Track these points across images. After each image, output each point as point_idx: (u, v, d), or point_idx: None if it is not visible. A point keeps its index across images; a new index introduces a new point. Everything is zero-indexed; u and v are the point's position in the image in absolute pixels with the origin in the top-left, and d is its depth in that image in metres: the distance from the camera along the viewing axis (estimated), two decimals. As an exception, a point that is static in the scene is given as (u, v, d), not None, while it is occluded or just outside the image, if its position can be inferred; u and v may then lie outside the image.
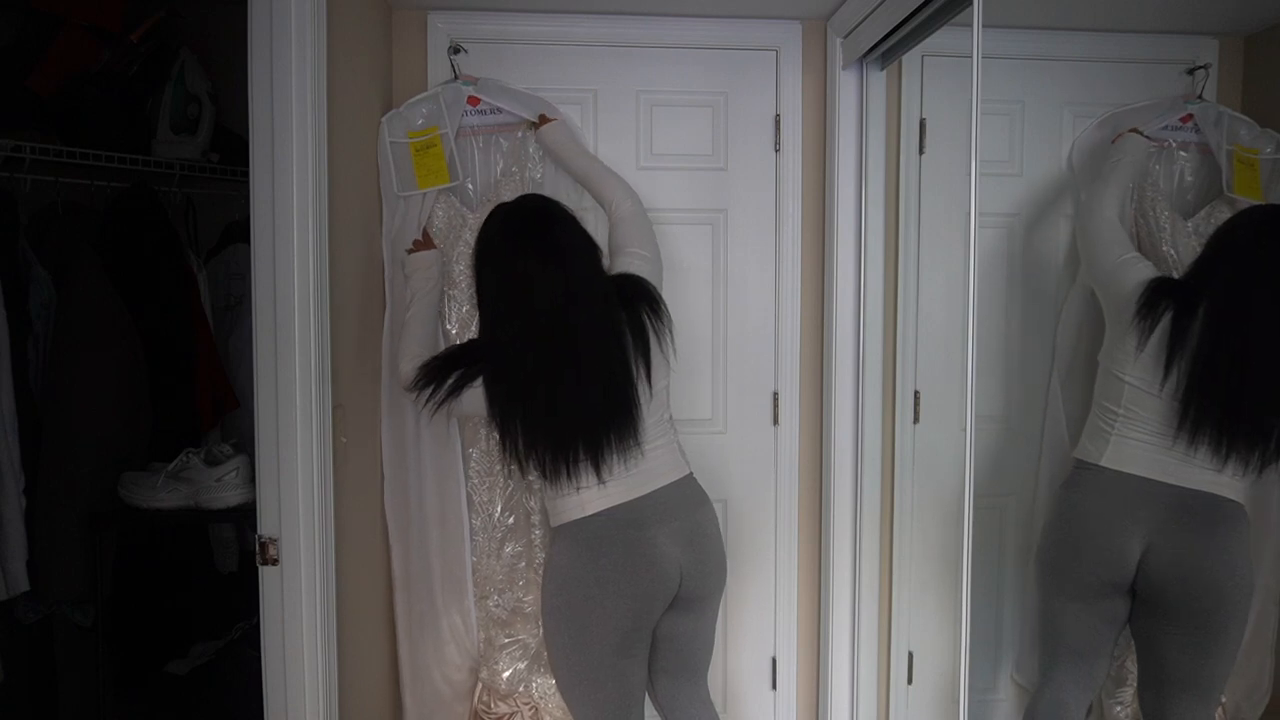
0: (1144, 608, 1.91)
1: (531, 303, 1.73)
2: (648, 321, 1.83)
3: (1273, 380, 1.79)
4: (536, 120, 2.23)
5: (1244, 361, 1.79)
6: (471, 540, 2.25)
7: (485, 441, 2.24)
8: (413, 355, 1.90)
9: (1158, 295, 1.88)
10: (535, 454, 1.75)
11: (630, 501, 1.78)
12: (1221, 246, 1.90)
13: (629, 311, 1.81)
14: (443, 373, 1.79)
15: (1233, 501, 1.84)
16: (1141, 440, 1.89)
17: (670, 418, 1.90)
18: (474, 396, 1.77)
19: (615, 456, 1.76)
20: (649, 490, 1.80)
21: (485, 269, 1.82)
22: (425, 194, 2.19)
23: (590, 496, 1.77)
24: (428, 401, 1.79)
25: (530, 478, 1.87)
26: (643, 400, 1.79)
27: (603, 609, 1.76)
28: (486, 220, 1.86)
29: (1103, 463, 1.93)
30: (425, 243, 2.11)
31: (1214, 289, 1.84)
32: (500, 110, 2.25)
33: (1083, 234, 2.12)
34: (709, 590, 1.87)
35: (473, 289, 1.93)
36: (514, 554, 2.27)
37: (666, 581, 1.79)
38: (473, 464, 2.25)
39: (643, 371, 1.80)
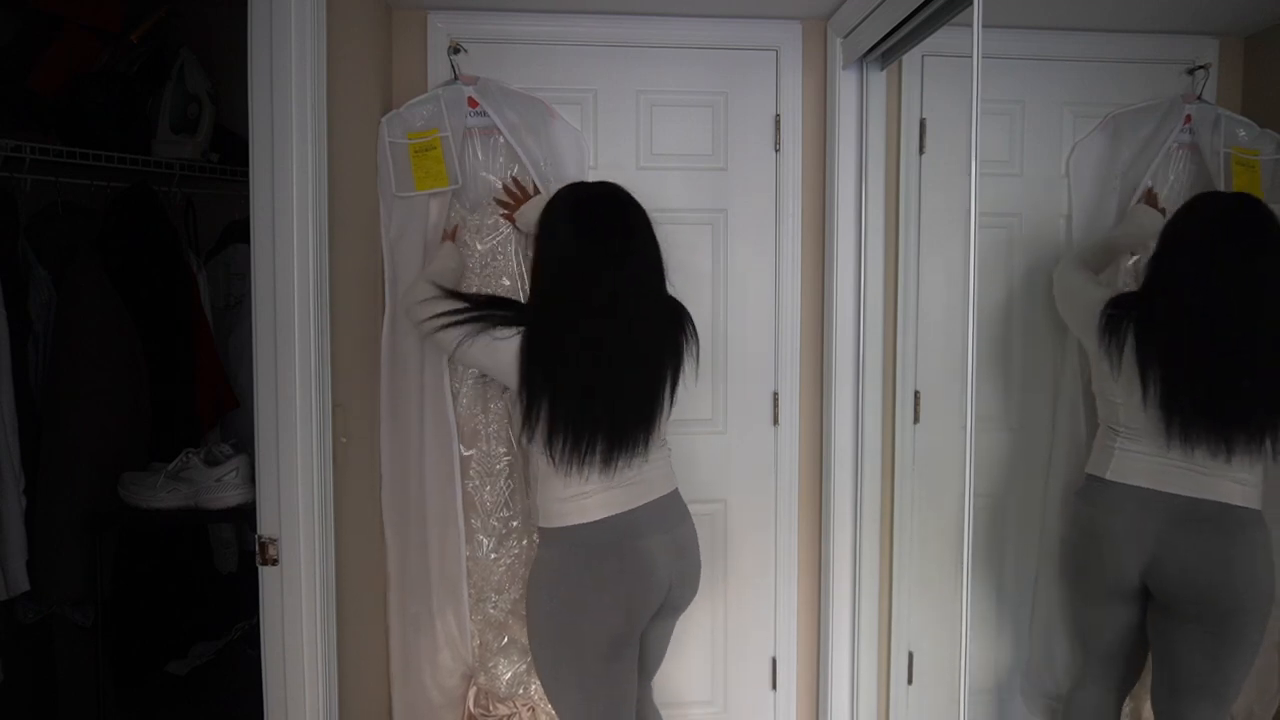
0: (1157, 612, 1.91)
1: (588, 297, 1.73)
2: (684, 346, 1.86)
3: (1244, 370, 1.77)
4: (505, 198, 2.20)
5: (1212, 354, 1.78)
6: (470, 541, 2.25)
7: (486, 443, 2.24)
8: (420, 289, 1.92)
9: (1118, 313, 1.89)
10: (557, 434, 1.73)
11: (630, 511, 1.80)
12: (1168, 245, 1.89)
13: (674, 330, 1.85)
14: (475, 302, 1.81)
15: (1243, 508, 1.81)
16: (1143, 453, 1.89)
17: (665, 437, 1.92)
18: (499, 347, 1.75)
19: (624, 458, 1.76)
20: (646, 500, 1.82)
21: (549, 246, 1.80)
22: (422, 196, 2.19)
23: (593, 503, 1.77)
24: (448, 317, 1.78)
25: (538, 459, 1.83)
26: (662, 413, 1.82)
27: (599, 614, 1.76)
28: (559, 199, 1.85)
29: (1108, 476, 1.95)
30: (452, 235, 2.15)
31: (1169, 292, 1.83)
32: (499, 114, 2.25)
33: (1059, 279, 2.13)
34: (687, 599, 1.92)
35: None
36: (513, 555, 2.27)
37: (659, 589, 1.81)
38: (473, 465, 2.24)
39: (669, 388, 1.83)
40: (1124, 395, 1.90)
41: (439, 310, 1.83)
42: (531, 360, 1.74)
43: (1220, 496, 1.81)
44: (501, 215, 2.20)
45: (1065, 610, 2.08)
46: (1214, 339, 1.77)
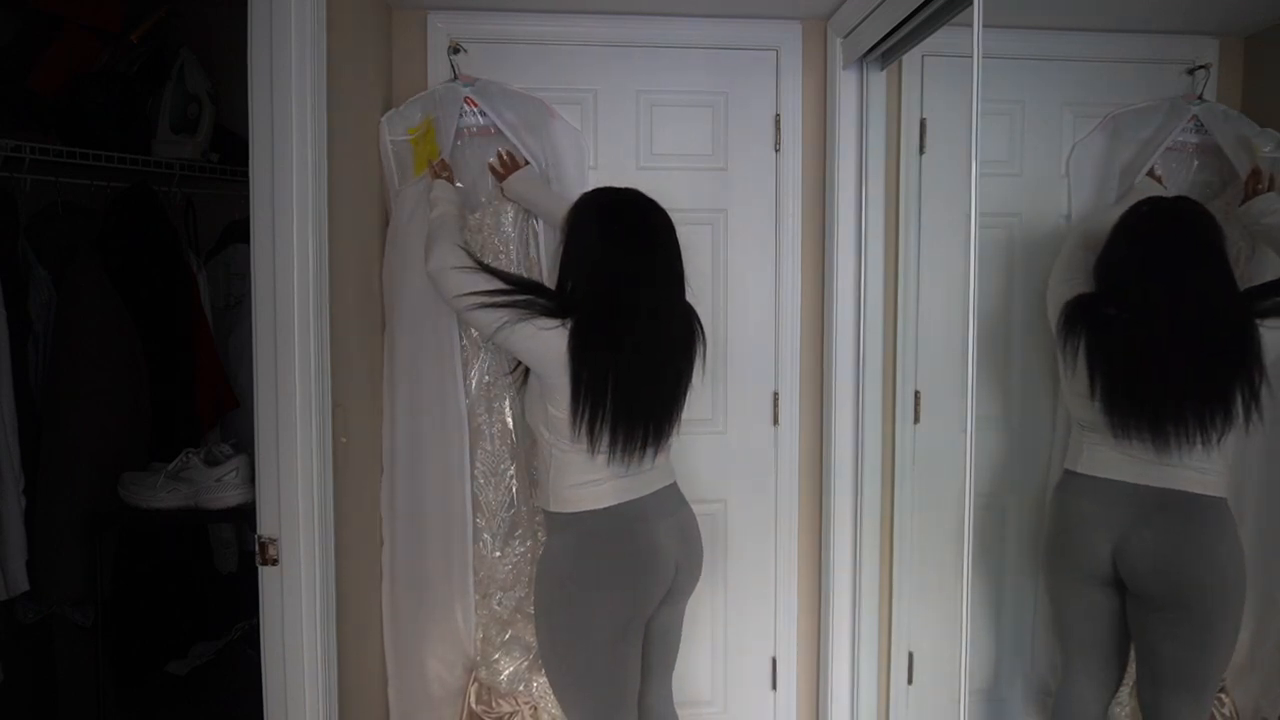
0: (1132, 603, 1.95)
1: (625, 297, 1.76)
2: (696, 344, 1.89)
3: (1177, 368, 1.82)
4: (498, 165, 2.22)
5: (1147, 353, 1.83)
6: (477, 540, 2.25)
7: (490, 442, 2.24)
8: (453, 254, 1.90)
9: (1073, 314, 1.94)
10: (605, 427, 1.75)
11: (639, 499, 1.84)
12: (1110, 248, 1.93)
13: (690, 329, 1.88)
14: (515, 284, 1.81)
15: (1205, 496, 1.86)
16: (1108, 447, 1.94)
17: None
18: (545, 337, 1.74)
19: (653, 451, 1.83)
20: (653, 490, 1.87)
21: (577, 248, 1.80)
22: (424, 181, 2.18)
23: (606, 490, 1.80)
24: (488, 297, 1.77)
25: (555, 445, 1.84)
26: (682, 409, 1.89)
27: (608, 599, 1.79)
28: (584, 203, 1.85)
29: (1079, 469, 2.01)
30: (444, 171, 2.15)
31: (1110, 293, 1.90)
32: (498, 114, 2.25)
33: (1052, 275, 2.15)
34: (692, 583, 1.95)
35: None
36: (519, 554, 2.27)
37: (666, 571, 1.85)
38: (478, 464, 2.24)
39: (687, 384, 1.88)
40: (1080, 392, 1.96)
41: (478, 288, 1.80)
42: (582, 354, 1.74)
43: (1182, 486, 1.87)
44: (495, 186, 2.26)
45: (1049, 604, 2.11)
46: (1149, 339, 1.83)
